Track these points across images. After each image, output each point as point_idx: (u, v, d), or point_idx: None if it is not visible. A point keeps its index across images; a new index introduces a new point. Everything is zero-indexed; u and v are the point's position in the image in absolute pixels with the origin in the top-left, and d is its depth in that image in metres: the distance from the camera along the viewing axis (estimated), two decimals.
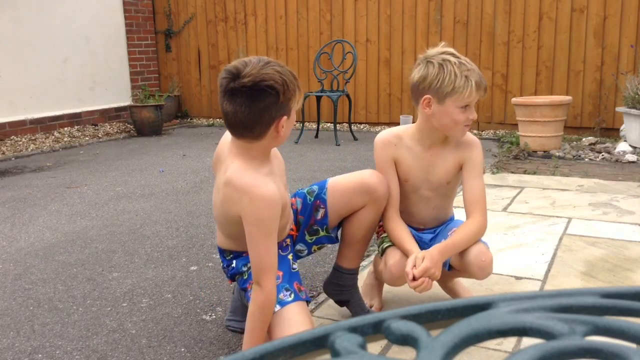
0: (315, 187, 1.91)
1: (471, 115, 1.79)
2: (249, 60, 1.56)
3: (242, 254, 1.76)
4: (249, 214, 1.56)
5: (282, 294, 1.70)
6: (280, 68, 1.56)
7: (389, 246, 1.90)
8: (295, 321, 1.65)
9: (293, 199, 1.93)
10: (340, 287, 1.99)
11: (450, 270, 1.94)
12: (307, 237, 1.92)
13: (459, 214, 2.07)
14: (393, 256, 1.85)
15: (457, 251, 1.82)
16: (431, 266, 1.72)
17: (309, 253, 1.96)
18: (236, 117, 1.55)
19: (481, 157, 1.91)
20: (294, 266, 1.82)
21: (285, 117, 1.58)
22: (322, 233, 1.90)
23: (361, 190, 1.84)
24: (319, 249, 1.97)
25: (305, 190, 1.92)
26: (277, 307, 1.67)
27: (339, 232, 1.97)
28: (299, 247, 1.93)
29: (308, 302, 1.78)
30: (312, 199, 1.89)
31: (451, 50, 1.81)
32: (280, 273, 1.74)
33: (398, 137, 1.92)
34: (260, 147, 1.63)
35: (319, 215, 1.88)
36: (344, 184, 1.88)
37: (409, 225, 1.98)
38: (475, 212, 1.84)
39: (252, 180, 1.58)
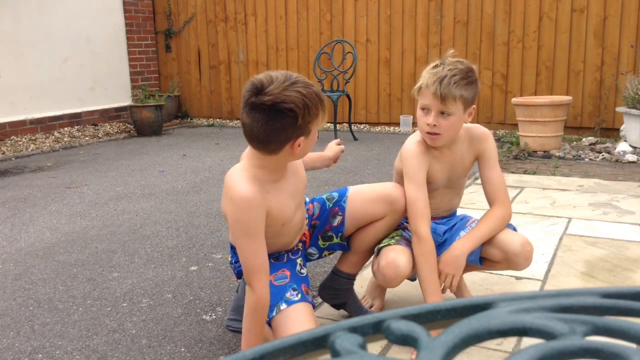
0: (335, 194, 1.92)
1: (428, 119, 1.77)
2: (276, 76, 1.53)
3: None
4: (230, 213, 1.60)
5: (289, 293, 1.70)
6: (305, 90, 1.53)
7: (385, 246, 1.88)
8: (300, 321, 1.65)
9: (310, 204, 1.94)
10: (336, 290, 2.00)
11: (482, 264, 1.93)
12: (320, 242, 1.93)
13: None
14: (385, 257, 1.82)
15: (485, 240, 1.82)
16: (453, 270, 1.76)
17: (320, 257, 1.99)
18: (252, 131, 1.54)
19: (494, 146, 1.93)
20: (302, 271, 1.83)
21: (302, 138, 1.57)
22: (335, 240, 1.91)
23: (384, 200, 1.86)
24: (330, 254, 1.99)
25: (324, 197, 1.94)
26: (284, 306, 1.67)
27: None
28: (311, 250, 1.94)
29: (313, 306, 1.77)
30: (331, 205, 1.90)
31: (450, 57, 1.82)
32: (288, 273, 1.76)
33: (427, 144, 1.88)
34: (272, 160, 1.62)
35: (336, 222, 1.89)
36: (367, 193, 1.91)
37: None
38: (498, 201, 1.87)
39: (238, 180, 1.60)
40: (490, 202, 1.89)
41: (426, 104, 1.78)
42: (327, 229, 1.90)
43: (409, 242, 1.90)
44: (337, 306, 2.02)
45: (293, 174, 1.75)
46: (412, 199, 1.83)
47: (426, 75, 1.79)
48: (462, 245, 1.80)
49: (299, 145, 1.57)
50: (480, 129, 1.93)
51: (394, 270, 1.79)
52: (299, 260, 1.84)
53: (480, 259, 1.89)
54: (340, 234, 1.90)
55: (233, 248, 1.85)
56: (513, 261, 1.84)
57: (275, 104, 1.49)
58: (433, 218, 2.00)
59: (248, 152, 1.68)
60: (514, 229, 1.92)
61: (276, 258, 1.81)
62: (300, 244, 1.90)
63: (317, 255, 1.96)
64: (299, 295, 1.71)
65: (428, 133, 1.80)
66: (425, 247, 1.80)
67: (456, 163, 1.92)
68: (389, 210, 1.87)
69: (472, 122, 1.91)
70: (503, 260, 1.85)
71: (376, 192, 1.90)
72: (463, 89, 1.75)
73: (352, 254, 1.96)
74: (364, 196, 1.90)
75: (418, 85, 1.80)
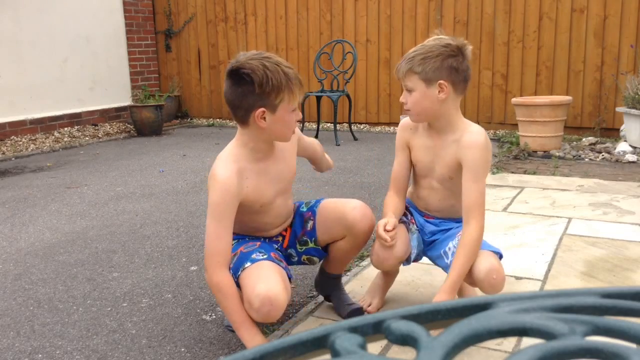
0: (312, 200, 1.98)
1: None
2: (252, 52, 1.70)
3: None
4: (209, 192, 1.72)
5: (254, 254, 1.74)
6: (271, 65, 1.64)
7: None
8: (259, 274, 1.67)
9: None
10: (323, 284, 2.10)
11: None
12: (298, 247, 1.96)
13: None
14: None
15: (466, 273, 1.80)
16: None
17: (299, 262, 2.00)
18: (226, 96, 1.72)
19: (481, 159, 1.82)
20: (279, 252, 1.87)
21: (263, 110, 1.66)
22: (310, 244, 1.93)
23: (341, 223, 1.87)
24: (308, 260, 1.99)
25: (304, 201, 2.01)
26: (248, 264, 1.71)
27: None
28: (290, 251, 1.97)
29: (290, 278, 1.78)
30: (306, 209, 1.95)
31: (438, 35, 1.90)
32: (259, 243, 1.81)
33: (416, 124, 1.98)
34: (250, 135, 1.74)
35: (309, 226, 1.93)
36: (331, 208, 1.91)
37: (416, 208, 2.02)
38: (471, 219, 1.80)
39: (221, 164, 1.73)
40: (465, 218, 1.82)
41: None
42: (303, 234, 1.94)
43: (406, 225, 1.97)
44: (326, 298, 2.12)
45: (281, 160, 1.83)
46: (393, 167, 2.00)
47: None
48: (448, 291, 1.77)
49: (263, 118, 1.67)
50: (472, 136, 1.83)
51: (387, 252, 1.85)
52: (275, 246, 1.89)
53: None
54: (314, 239, 1.92)
55: None
56: (478, 286, 1.82)
57: (236, 68, 1.65)
58: (425, 215, 2.03)
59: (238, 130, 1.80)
60: (500, 255, 1.87)
61: (252, 238, 1.88)
62: (280, 237, 1.94)
63: (296, 259, 1.98)
64: (265, 255, 1.74)
65: (403, 110, 1.90)
66: (387, 202, 1.95)
67: (440, 153, 1.90)
68: (347, 233, 1.88)
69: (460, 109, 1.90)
70: (470, 283, 1.86)
71: (338, 210, 1.88)
72: (416, 63, 1.78)
73: (331, 261, 2.01)
74: (327, 212, 1.91)
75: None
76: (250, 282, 1.66)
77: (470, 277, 1.82)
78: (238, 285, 1.73)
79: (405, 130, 1.98)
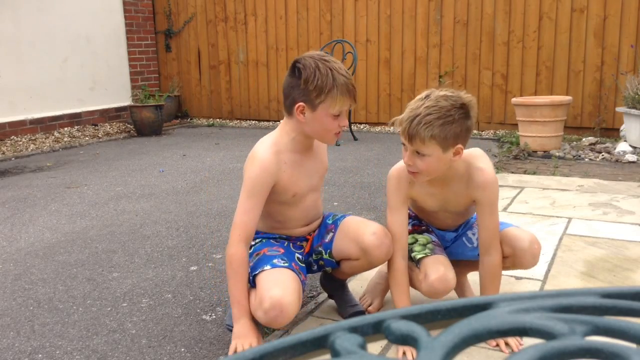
0: (339, 214, 2.00)
1: (405, 157, 1.76)
2: (320, 53, 1.80)
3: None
4: (246, 170, 1.78)
5: (276, 260, 1.77)
6: (324, 68, 1.71)
7: (425, 257, 1.86)
8: (277, 278, 1.70)
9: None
10: (327, 284, 2.11)
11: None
12: (314, 256, 1.97)
13: None
14: (436, 270, 1.80)
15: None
16: None
17: (318, 270, 2.02)
18: (283, 83, 1.82)
19: (495, 193, 1.79)
20: (300, 264, 1.86)
21: (303, 105, 1.72)
22: (324, 256, 1.94)
23: (357, 245, 1.85)
24: (319, 268, 2.01)
25: (333, 213, 2.02)
26: (268, 267, 1.75)
27: None
28: (310, 259, 1.98)
29: (303, 285, 1.80)
30: (331, 222, 1.95)
31: (443, 89, 1.73)
32: (282, 250, 1.84)
33: None
34: (292, 125, 1.80)
35: (328, 238, 1.93)
36: (352, 227, 1.89)
37: (428, 225, 2.00)
38: (492, 248, 1.81)
39: (262, 145, 1.80)
40: (484, 249, 1.82)
41: (402, 141, 1.70)
42: (320, 244, 1.94)
43: (441, 247, 1.93)
44: (329, 296, 2.13)
45: (316, 156, 1.89)
46: (388, 224, 1.87)
47: (407, 109, 1.68)
48: None
49: (302, 113, 1.73)
50: (483, 175, 1.76)
51: (444, 284, 1.80)
52: (297, 254, 1.90)
53: None
54: (328, 251, 1.92)
55: None
56: (520, 257, 1.84)
57: (295, 61, 1.75)
58: (440, 228, 2.02)
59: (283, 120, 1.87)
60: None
61: (277, 239, 1.91)
62: (305, 242, 1.95)
63: (315, 267, 1.99)
64: (286, 264, 1.77)
65: (408, 170, 1.74)
66: (396, 276, 1.84)
67: (450, 198, 1.85)
68: (361, 256, 1.86)
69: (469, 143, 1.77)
70: (510, 255, 1.85)
71: (357, 232, 1.85)
72: (437, 129, 1.60)
73: (340, 272, 2.01)
74: (348, 230, 1.89)
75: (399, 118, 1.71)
76: (267, 283, 1.69)
77: (511, 249, 1.83)
78: (253, 283, 1.76)
79: (403, 182, 1.82)
